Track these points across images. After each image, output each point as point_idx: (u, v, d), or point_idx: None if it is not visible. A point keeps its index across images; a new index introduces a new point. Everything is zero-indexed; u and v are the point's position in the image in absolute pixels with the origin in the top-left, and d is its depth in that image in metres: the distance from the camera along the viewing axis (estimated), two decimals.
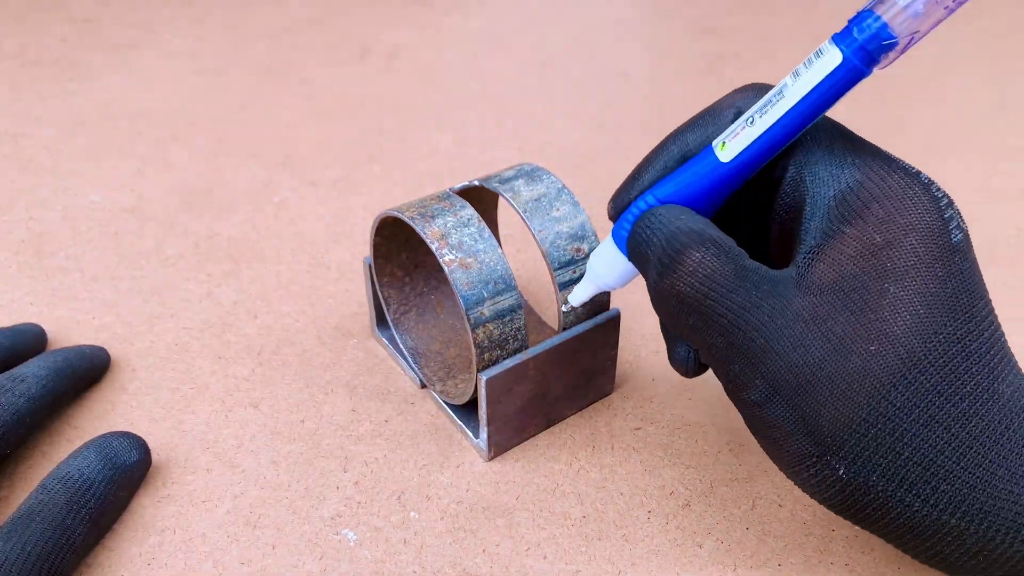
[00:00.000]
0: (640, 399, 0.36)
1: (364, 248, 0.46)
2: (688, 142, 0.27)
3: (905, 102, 0.63)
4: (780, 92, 0.24)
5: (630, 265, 0.28)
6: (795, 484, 0.26)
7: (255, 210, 0.50)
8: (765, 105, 0.24)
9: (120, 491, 0.30)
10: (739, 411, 0.26)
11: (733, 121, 0.26)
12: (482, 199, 0.38)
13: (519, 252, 0.46)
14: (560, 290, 0.32)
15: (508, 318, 0.31)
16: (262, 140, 0.57)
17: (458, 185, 0.35)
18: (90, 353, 0.36)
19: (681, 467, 0.33)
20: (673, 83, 0.67)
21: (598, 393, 0.36)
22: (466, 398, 0.33)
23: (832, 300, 0.23)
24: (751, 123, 0.25)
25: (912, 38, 0.22)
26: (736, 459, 0.34)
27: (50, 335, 0.39)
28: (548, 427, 0.35)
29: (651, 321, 0.41)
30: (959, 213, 0.24)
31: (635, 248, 0.27)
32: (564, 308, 0.32)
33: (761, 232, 0.28)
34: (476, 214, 0.32)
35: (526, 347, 0.32)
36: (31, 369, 0.33)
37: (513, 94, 0.65)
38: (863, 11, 0.23)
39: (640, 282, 0.43)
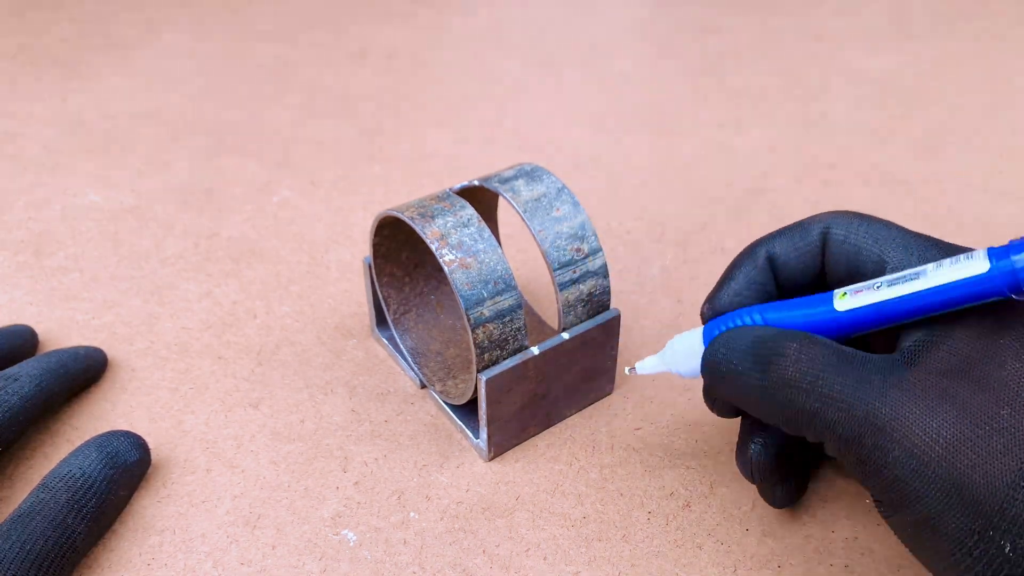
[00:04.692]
0: (640, 399, 0.36)
1: (364, 248, 0.46)
2: (775, 248, 0.28)
3: (905, 102, 0.63)
4: (917, 273, 0.25)
5: None
6: None
7: (255, 210, 0.50)
8: (898, 279, 0.25)
9: (121, 490, 0.30)
10: (878, 508, 0.24)
11: (820, 240, 0.28)
12: (482, 199, 0.38)
13: (519, 252, 0.46)
14: (560, 290, 0.32)
15: (508, 318, 0.31)
16: (262, 140, 0.57)
17: (458, 185, 0.35)
18: (85, 354, 0.36)
19: (681, 468, 0.33)
20: (673, 83, 0.67)
21: (598, 393, 0.36)
22: (466, 398, 0.33)
23: (948, 375, 0.23)
24: (877, 288, 0.25)
25: None
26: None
27: (49, 335, 0.39)
28: (548, 427, 0.35)
29: (651, 321, 0.41)
30: None
31: (717, 354, 0.27)
32: (626, 370, 0.32)
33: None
34: (476, 214, 0.32)
35: (526, 347, 0.32)
36: (24, 369, 0.33)
37: (513, 94, 0.65)
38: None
39: (641, 280, 0.43)
